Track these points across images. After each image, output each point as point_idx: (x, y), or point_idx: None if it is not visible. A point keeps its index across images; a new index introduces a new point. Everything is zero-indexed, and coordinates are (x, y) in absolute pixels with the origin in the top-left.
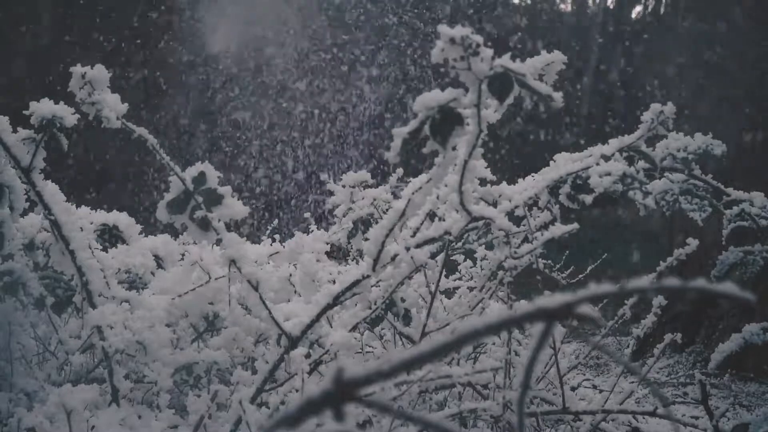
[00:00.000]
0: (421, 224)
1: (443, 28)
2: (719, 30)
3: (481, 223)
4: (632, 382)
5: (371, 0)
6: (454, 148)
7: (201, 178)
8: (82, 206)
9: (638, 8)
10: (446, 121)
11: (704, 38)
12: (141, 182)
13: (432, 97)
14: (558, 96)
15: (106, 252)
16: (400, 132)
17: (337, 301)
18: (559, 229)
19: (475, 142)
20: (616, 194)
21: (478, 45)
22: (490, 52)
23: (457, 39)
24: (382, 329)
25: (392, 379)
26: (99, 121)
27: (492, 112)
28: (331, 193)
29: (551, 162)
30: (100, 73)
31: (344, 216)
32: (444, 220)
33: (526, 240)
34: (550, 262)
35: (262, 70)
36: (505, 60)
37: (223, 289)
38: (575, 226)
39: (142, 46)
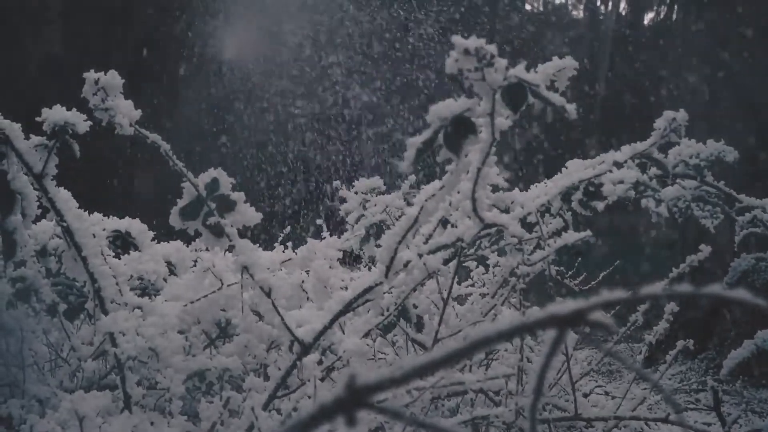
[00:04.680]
0: (434, 231)
1: (457, 39)
2: (731, 36)
3: (493, 229)
4: (644, 389)
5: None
6: (466, 155)
7: (214, 184)
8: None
9: (650, 15)
10: (460, 131)
11: (716, 44)
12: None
13: (446, 107)
14: (571, 107)
15: (119, 259)
16: (414, 142)
17: (349, 307)
18: (572, 236)
19: (489, 150)
20: (629, 201)
21: (492, 56)
22: (504, 62)
23: (471, 50)
24: (395, 336)
25: (404, 386)
26: (112, 128)
27: (503, 119)
28: (344, 200)
29: (563, 168)
30: (113, 79)
31: (356, 223)
32: (456, 227)
33: (538, 246)
34: (562, 268)
35: (276, 75)
36: (519, 70)
37: (235, 296)
38: (588, 233)
39: (155, 52)
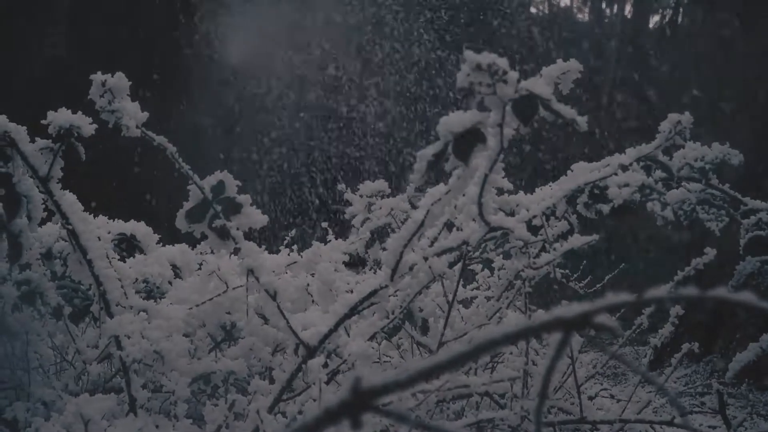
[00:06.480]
0: (439, 234)
1: (469, 54)
2: (736, 39)
3: (499, 232)
4: (650, 392)
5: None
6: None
7: (220, 187)
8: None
9: (656, 18)
10: (469, 141)
11: (722, 47)
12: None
13: (456, 121)
14: (582, 120)
15: (124, 261)
16: (425, 154)
17: (354, 310)
18: (578, 240)
19: (496, 158)
20: (635, 205)
21: (504, 71)
22: (515, 75)
23: (484, 65)
24: (400, 339)
25: (410, 389)
26: (118, 130)
27: (510, 129)
28: (349, 203)
29: (568, 171)
30: (120, 81)
31: (362, 226)
32: (462, 230)
33: (543, 249)
34: (567, 271)
35: (283, 78)
36: (530, 83)
37: (240, 299)
38: (594, 236)
39: (163, 55)
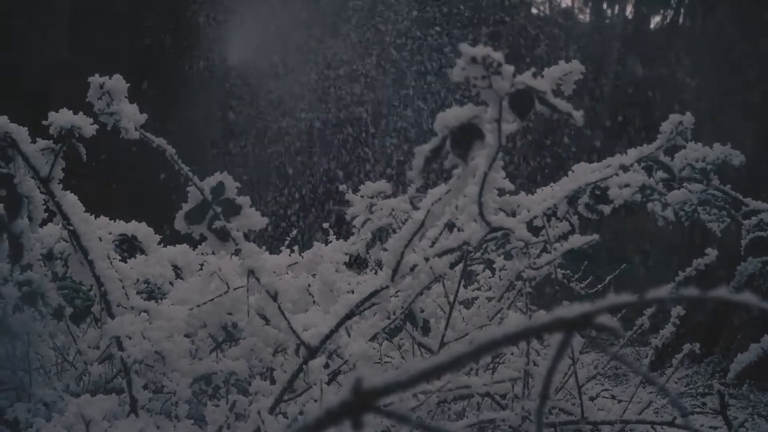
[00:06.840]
0: (440, 234)
1: (464, 47)
2: (738, 40)
3: (500, 233)
4: (651, 393)
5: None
6: (472, 159)
7: (219, 188)
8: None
9: (657, 18)
10: (467, 137)
11: (723, 48)
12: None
13: (453, 116)
14: (578, 114)
15: (125, 262)
16: (422, 150)
17: (355, 311)
18: (578, 240)
19: (495, 155)
20: (636, 205)
21: (499, 64)
22: (511, 69)
23: (479, 58)
24: (401, 339)
25: (411, 389)
26: (117, 132)
27: (508, 125)
28: (350, 204)
29: (570, 172)
30: (118, 83)
31: (363, 226)
32: (463, 231)
33: (544, 250)
34: (568, 272)
35: (283, 80)
36: (526, 77)
37: (241, 300)
38: (595, 237)
39: (164, 56)
